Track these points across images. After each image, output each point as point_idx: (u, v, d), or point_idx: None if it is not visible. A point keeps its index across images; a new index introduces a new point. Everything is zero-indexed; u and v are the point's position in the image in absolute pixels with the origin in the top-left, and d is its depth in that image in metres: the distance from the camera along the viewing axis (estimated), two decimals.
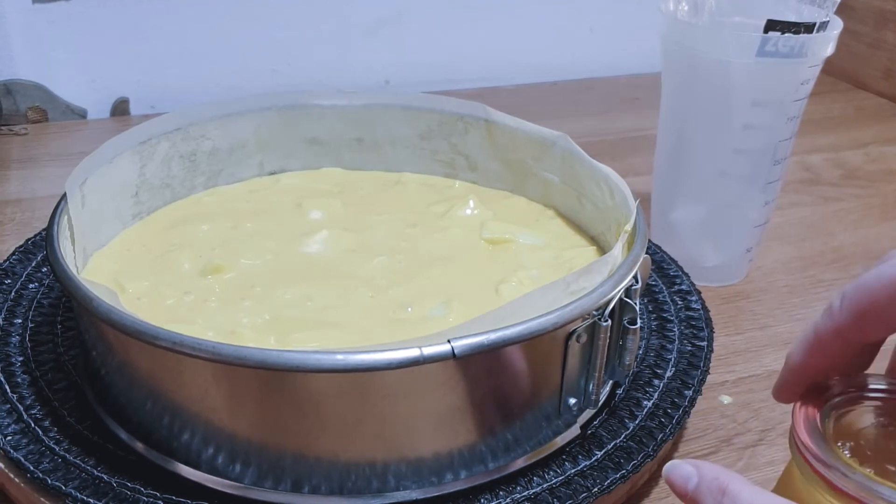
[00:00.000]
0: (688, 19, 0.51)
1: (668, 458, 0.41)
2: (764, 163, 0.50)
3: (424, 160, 0.54)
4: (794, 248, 0.60)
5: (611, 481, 0.36)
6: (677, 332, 0.46)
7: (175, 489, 0.35)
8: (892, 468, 0.27)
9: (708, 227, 0.53)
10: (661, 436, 0.39)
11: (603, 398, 0.40)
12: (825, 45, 0.47)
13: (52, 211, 0.40)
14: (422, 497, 0.35)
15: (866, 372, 0.31)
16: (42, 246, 0.50)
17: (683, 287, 0.50)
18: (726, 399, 0.46)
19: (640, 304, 0.47)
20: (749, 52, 0.46)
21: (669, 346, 0.45)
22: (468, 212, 0.49)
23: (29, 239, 0.51)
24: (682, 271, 0.51)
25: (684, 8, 0.51)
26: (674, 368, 0.43)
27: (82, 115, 0.78)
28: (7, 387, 0.40)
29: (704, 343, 0.45)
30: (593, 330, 0.36)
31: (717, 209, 0.52)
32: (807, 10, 0.48)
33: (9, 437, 0.37)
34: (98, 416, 0.38)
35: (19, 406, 0.39)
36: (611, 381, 0.41)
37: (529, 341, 0.33)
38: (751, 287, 0.55)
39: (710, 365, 0.44)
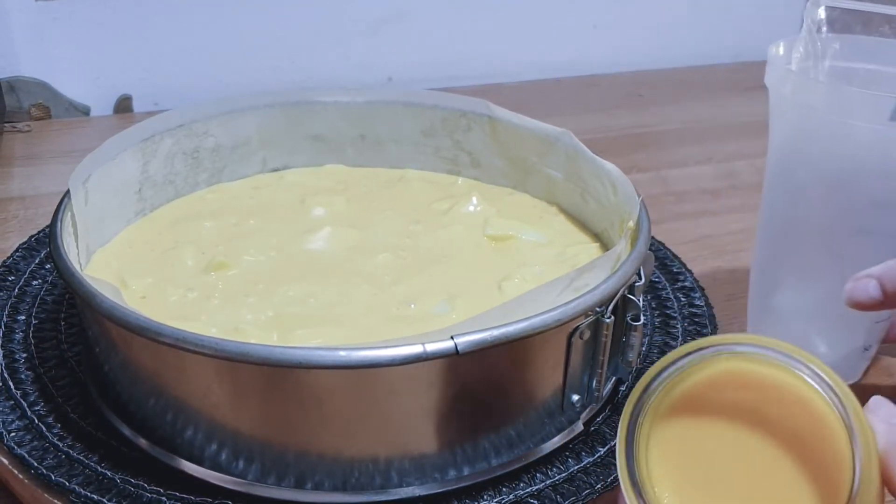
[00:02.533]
0: (803, 65, 0.43)
1: None
2: (893, 247, 0.40)
3: (427, 157, 0.54)
4: None
5: (614, 478, 0.36)
6: (680, 329, 0.46)
7: (178, 485, 0.35)
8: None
9: (818, 317, 0.44)
10: None
11: (606, 395, 0.40)
12: None
13: (55, 208, 0.40)
14: (424, 493, 0.35)
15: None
16: (45, 243, 0.50)
17: (687, 284, 0.50)
18: None
19: (644, 300, 0.47)
20: (881, 115, 0.38)
21: (673, 343, 0.45)
22: (471, 209, 0.49)
23: (32, 236, 0.51)
24: (686, 268, 0.51)
25: (799, 52, 0.42)
26: None
27: (85, 112, 0.78)
28: (11, 383, 0.40)
29: None
30: (596, 327, 0.36)
31: (830, 298, 0.41)
32: None
33: (13, 434, 0.37)
34: (101, 413, 0.38)
35: (23, 402, 0.39)
36: (614, 378, 0.41)
37: (532, 338, 0.33)
38: None
39: None
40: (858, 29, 0.42)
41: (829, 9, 0.42)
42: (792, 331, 0.45)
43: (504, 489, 0.36)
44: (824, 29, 0.42)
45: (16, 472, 0.36)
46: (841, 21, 0.42)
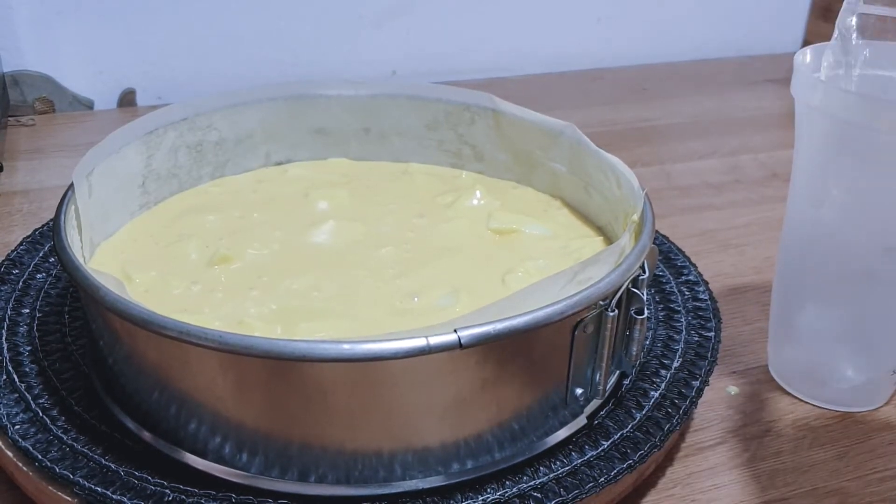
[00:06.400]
0: (832, 73, 0.41)
1: (675, 449, 0.41)
2: None
3: (431, 150, 0.54)
4: None
5: (617, 471, 0.36)
6: (684, 323, 0.46)
7: (182, 478, 0.35)
8: None
9: (844, 338, 0.43)
10: (667, 426, 0.39)
11: (610, 389, 0.40)
12: None
13: (59, 201, 0.41)
14: (428, 487, 0.35)
15: None
16: (49, 236, 0.50)
17: (691, 278, 0.49)
18: (733, 390, 0.45)
19: (648, 294, 0.46)
20: None
21: (676, 337, 0.45)
22: (475, 202, 0.49)
23: (37, 229, 0.51)
24: (690, 262, 0.51)
25: (830, 59, 0.41)
26: (681, 359, 0.43)
27: (89, 105, 0.78)
28: (15, 376, 0.40)
29: (712, 334, 0.45)
30: (600, 320, 0.36)
31: (858, 318, 0.42)
32: None
33: (17, 427, 0.37)
34: (105, 406, 0.38)
35: (27, 395, 0.39)
36: (618, 372, 0.41)
37: (536, 331, 0.33)
38: (759, 278, 0.55)
39: (718, 356, 0.44)
40: (890, 36, 0.41)
41: (861, 16, 0.40)
42: (816, 351, 0.44)
43: (507, 482, 0.36)
44: (854, 35, 0.41)
45: (20, 464, 0.36)
46: (873, 28, 0.41)
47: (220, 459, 0.35)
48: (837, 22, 0.41)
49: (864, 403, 0.45)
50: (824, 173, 0.41)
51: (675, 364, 0.43)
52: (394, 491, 0.35)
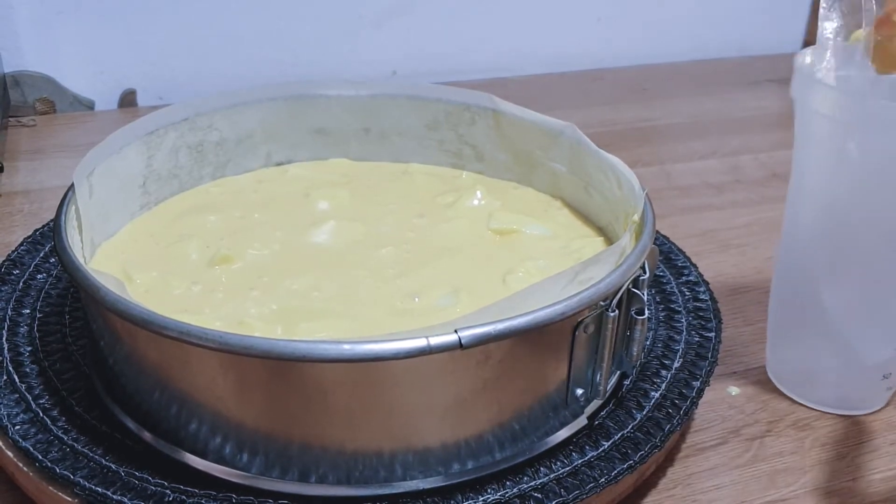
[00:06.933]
0: (833, 71, 0.41)
1: (676, 449, 0.41)
2: None
3: (431, 151, 0.54)
4: None
5: (618, 472, 0.36)
6: (685, 323, 0.46)
7: (183, 478, 0.35)
8: None
9: (873, 312, 0.42)
10: (668, 427, 0.39)
11: (610, 389, 0.40)
12: None
13: (59, 202, 0.41)
14: (428, 487, 0.35)
15: None
16: (50, 237, 0.50)
17: (691, 278, 0.49)
18: (734, 390, 0.45)
19: (648, 294, 0.46)
20: None
21: (677, 337, 0.45)
22: (475, 202, 0.49)
23: (37, 230, 0.51)
24: (690, 262, 0.51)
25: (826, 59, 0.41)
26: (681, 359, 0.43)
27: (90, 106, 0.78)
28: (16, 377, 0.40)
29: (712, 334, 0.45)
30: (601, 320, 0.36)
31: (886, 290, 0.41)
32: None
33: (17, 427, 0.37)
34: (106, 406, 0.38)
35: (28, 396, 0.39)
36: (618, 372, 0.41)
37: (537, 331, 0.33)
38: (760, 278, 0.55)
39: (718, 356, 0.44)
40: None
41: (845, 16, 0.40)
42: (843, 330, 0.42)
43: (508, 483, 0.36)
44: (838, 39, 0.40)
45: (20, 464, 0.36)
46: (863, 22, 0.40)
47: (220, 460, 0.35)
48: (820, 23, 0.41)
49: (859, 407, 0.45)
50: (831, 168, 0.41)
51: (676, 364, 0.43)
52: (394, 491, 0.35)
